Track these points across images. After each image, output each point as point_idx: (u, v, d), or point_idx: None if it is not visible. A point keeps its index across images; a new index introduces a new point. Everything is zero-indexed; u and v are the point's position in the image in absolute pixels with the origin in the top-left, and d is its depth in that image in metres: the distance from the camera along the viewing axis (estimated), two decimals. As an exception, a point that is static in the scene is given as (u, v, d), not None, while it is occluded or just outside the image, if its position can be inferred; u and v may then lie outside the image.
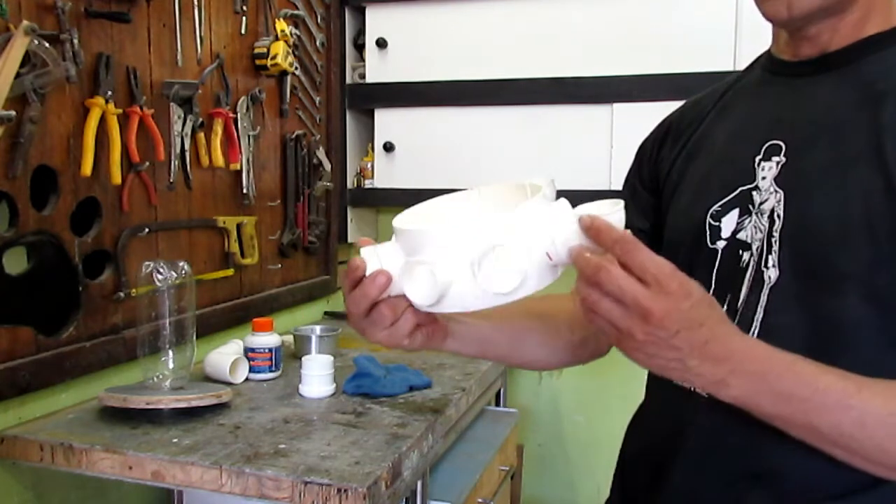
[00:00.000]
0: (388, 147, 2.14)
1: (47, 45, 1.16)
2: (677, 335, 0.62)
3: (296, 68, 1.87)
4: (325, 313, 2.18)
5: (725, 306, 0.79)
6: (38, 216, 1.20)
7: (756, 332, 0.75)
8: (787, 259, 0.75)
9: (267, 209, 1.83)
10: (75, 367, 1.28)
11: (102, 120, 1.28)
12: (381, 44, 2.11)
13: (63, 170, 1.24)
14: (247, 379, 1.46)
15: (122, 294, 1.36)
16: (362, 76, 2.17)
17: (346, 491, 0.99)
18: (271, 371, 1.48)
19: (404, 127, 2.13)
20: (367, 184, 2.21)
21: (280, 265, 1.91)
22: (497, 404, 1.91)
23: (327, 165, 2.07)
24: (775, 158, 0.78)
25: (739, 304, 0.78)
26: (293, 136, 1.92)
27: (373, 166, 2.19)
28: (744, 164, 0.80)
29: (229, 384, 1.41)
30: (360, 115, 2.26)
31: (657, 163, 0.94)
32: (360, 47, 2.20)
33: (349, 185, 2.24)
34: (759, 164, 0.79)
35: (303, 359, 1.41)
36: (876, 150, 0.71)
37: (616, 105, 1.93)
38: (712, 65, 1.79)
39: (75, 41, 1.21)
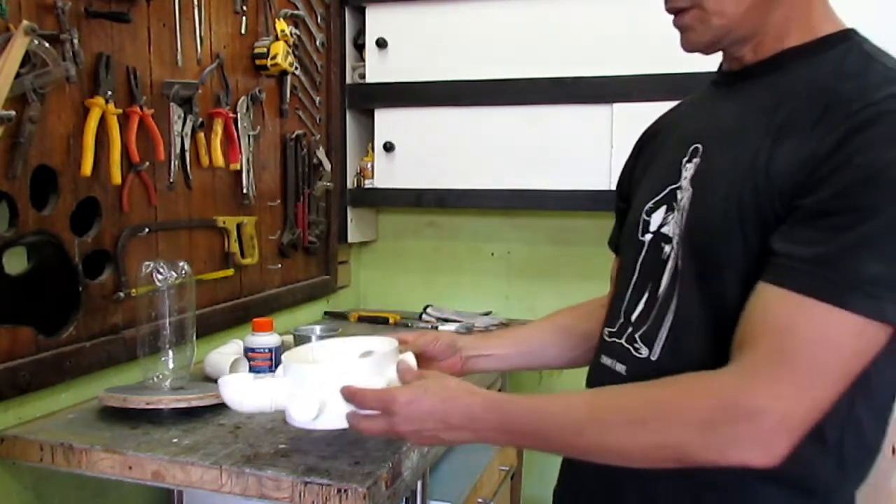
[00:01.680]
0: (388, 147, 2.14)
1: (47, 45, 1.16)
2: (420, 432, 0.85)
3: (296, 68, 1.87)
4: (325, 313, 2.18)
5: (647, 294, 0.88)
6: (38, 216, 1.20)
7: (671, 319, 0.84)
8: (687, 251, 0.84)
9: (267, 209, 1.84)
10: (75, 367, 1.28)
11: (102, 120, 1.28)
12: (381, 44, 2.11)
13: (63, 170, 1.24)
14: (247, 379, 1.46)
15: (122, 294, 1.36)
16: (362, 76, 2.17)
17: (346, 491, 0.99)
18: (271, 371, 1.48)
19: (404, 127, 2.13)
20: (367, 184, 2.21)
21: (280, 265, 1.91)
22: (497, 404, 1.90)
23: (327, 165, 2.07)
24: (695, 160, 0.87)
25: (660, 293, 0.86)
26: (293, 136, 1.92)
27: (373, 166, 2.19)
28: (675, 166, 0.89)
29: (229, 384, 1.41)
30: (360, 115, 2.26)
31: (630, 182, 1.04)
32: (360, 47, 2.19)
33: (349, 185, 2.24)
34: (684, 165, 0.88)
35: (303, 359, 1.41)
36: (754, 154, 0.78)
37: (616, 105, 1.93)
38: (712, 65, 1.77)
39: (75, 41, 1.21)
